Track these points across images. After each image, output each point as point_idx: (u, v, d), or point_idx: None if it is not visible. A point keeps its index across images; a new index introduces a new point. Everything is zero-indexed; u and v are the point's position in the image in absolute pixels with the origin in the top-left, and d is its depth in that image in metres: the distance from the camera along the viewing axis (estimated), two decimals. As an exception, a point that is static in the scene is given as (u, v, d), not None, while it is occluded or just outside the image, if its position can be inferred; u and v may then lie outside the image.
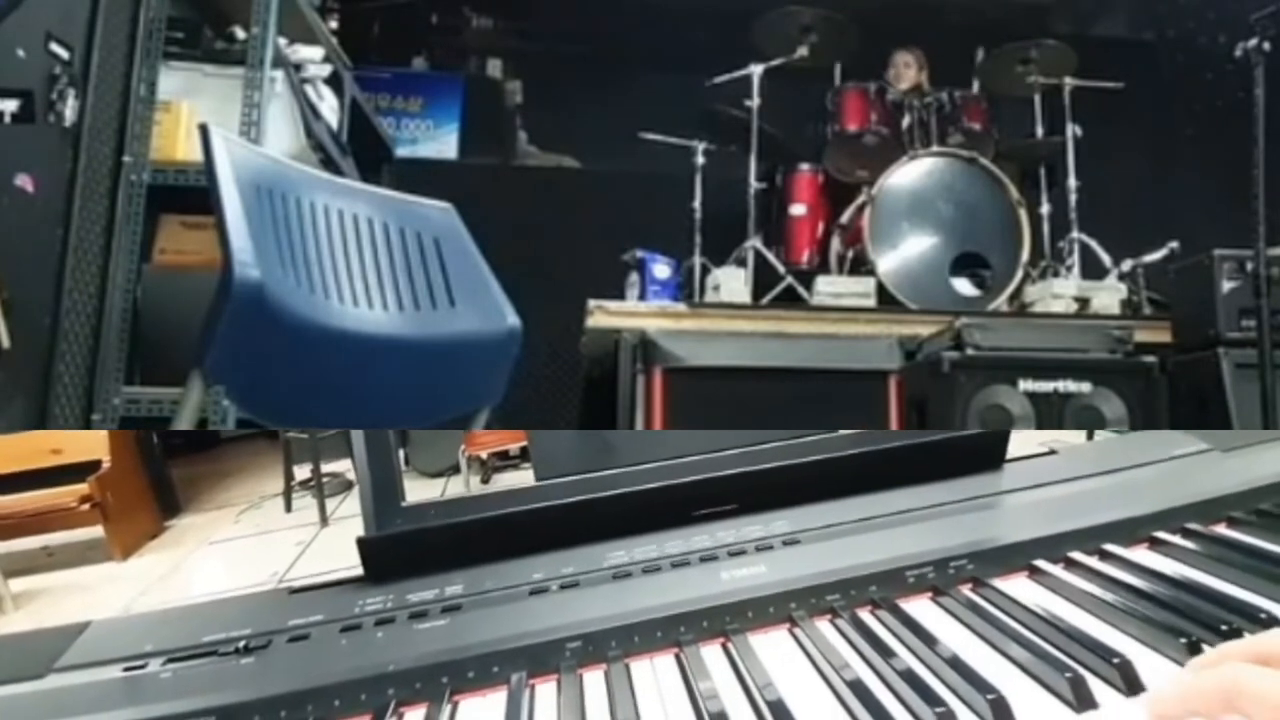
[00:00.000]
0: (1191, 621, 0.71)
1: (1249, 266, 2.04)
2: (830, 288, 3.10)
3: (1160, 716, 0.57)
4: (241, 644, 0.81)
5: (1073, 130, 3.31)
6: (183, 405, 1.01)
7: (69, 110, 1.98)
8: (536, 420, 3.42)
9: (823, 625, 0.82)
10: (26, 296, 1.89)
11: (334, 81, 2.83)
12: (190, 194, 2.22)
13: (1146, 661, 0.68)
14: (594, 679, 0.77)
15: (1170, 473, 1.04)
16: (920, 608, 0.83)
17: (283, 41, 2.47)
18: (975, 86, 3.55)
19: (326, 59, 2.77)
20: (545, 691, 0.77)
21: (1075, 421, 2.15)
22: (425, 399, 1.21)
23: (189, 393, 1.01)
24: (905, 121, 3.46)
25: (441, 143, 4.01)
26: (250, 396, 1.11)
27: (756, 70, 3.29)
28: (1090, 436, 3.04)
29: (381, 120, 3.51)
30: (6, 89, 1.81)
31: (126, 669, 0.80)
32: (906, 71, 3.52)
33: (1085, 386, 2.15)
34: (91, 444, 4.44)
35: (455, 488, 5.07)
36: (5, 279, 1.81)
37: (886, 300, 3.07)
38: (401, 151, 3.73)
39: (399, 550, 0.93)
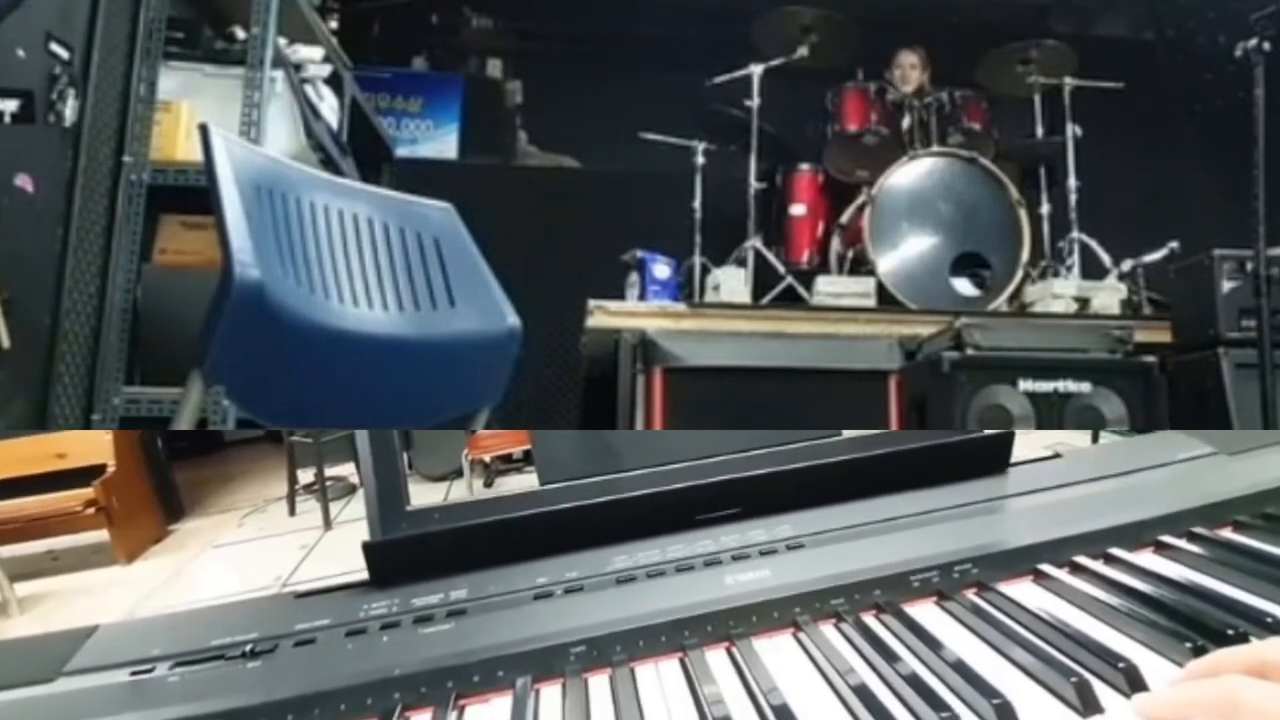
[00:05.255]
0: (1197, 626, 0.71)
1: (1249, 266, 2.05)
2: (830, 288, 3.10)
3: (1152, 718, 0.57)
4: (248, 648, 0.81)
5: (1073, 130, 3.31)
6: (183, 405, 1.01)
7: (69, 110, 1.98)
8: (537, 420, 3.42)
9: (827, 629, 0.82)
10: (26, 296, 1.89)
11: (334, 81, 2.83)
12: (190, 194, 2.21)
13: (1152, 666, 0.68)
14: (599, 683, 0.77)
15: (1176, 476, 1.04)
16: (925, 612, 0.83)
17: (283, 41, 2.47)
18: (975, 86, 3.55)
19: (326, 59, 2.77)
20: (550, 696, 0.77)
21: (1075, 421, 2.15)
22: (425, 399, 1.21)
23: (189, 393, 1.00)
24: (905, 121, 3.46)
25: (441, 143, 4.01)
26: (250, 396, 1.10)
27: (756, 70, 3.29)
28: (1095, 438, 3.05)
29: (381, 120, 3.51)
30: (6, 89, 1.80)
31: (134, 673, 0.80)
32: (912, 72, 3.52)
33: (1085, 386, 2.15)
34: (96, 448, 4.43)
35: (458, 491, 5.07)
36: (5, 279, 1.81)
37: (886, 300, 3.07)
38: (401, 151, 3.72)
39: (404, 555, 0.93)
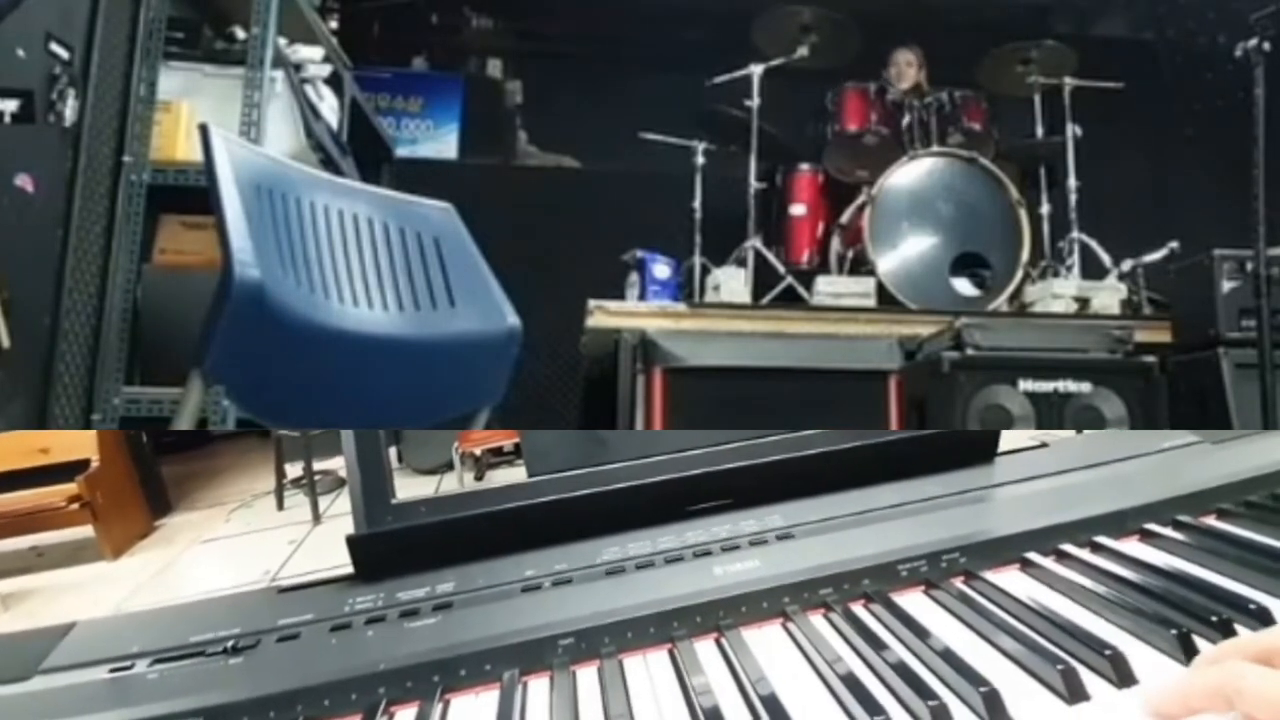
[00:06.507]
0: (1182, 613, 0.71)
1: (1249, 266, 2.04)
2: (830, 288, 3.10)
3: (1159, 714, 0.57)
4: (230, 644, 0.81)
5: (1073, 130, 3.31)
6: (183, 405, 1.01)
7: (69, 110, 1.98)
8: (537, 420, 3.42)
9: (816, 619, 0.82)
10: (26, 296, 1.89)
11: (334, 81, 2.83)
12: (190, 194, 2.22)
13: (1138, 653, 0.68)
14: (587, 676, 0.77)
15: (1160, 465, 1.05)
16: (913, 601, 0.83)
17: (283, 41, 2.47)
18: (975, 86, 3.54)
19: (326, 59, 2.77)
20: (538, 689, 0.76)
21: (1075, 421, 2.15)
22: (425, 399, 1.21)
23: (189, 393, 1.01)
24: (905, 121, 3.46)
25: (441, 143, 4.02)
26: (250, 396, 1.11)
27: (756, 70, 3.29)
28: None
29: (381, 120, 3.51)
30: (6, 89, 1.81)
31: (113, 670, 0.79)
32: (908, 70, 3.52)
33: (1085, 386, 2.15)
34: (80, 443, 4.41)
35: (449, 485, 5.04)
36: (5, 279, 1.81)
37: (886, 300, 3.07)
38: (401, 151, 3.72)
39: (389, 548, 0.92)
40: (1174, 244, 3.05)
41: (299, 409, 1.13)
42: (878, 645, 0.74)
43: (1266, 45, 1.96)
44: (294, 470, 5.18)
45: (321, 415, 1.15)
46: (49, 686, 0.78)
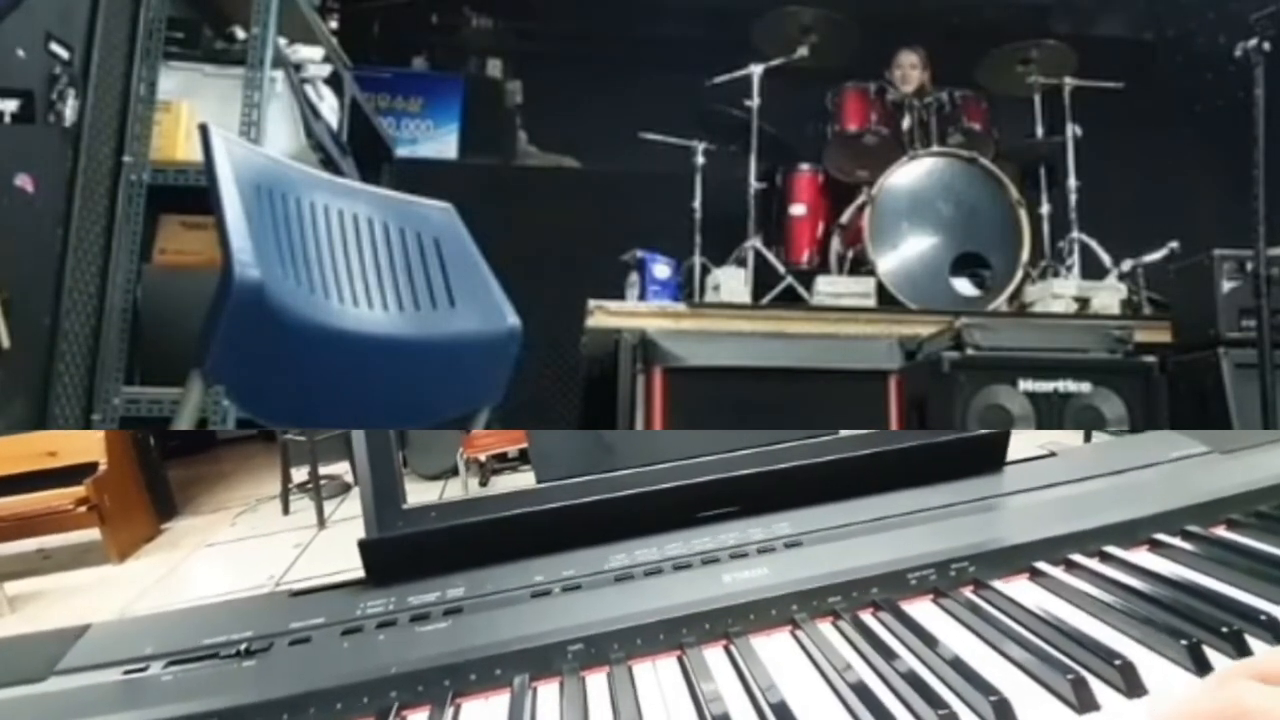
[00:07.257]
0: (1192, 623, 0.71)
1: (1249, 266, 2.04)
2: (830, 288, 3.10)
3: None
4: (243, 646, 0.81)
5: (1073, 130, 3.31)
6: (183, 405, 1.01)
7: (69, 110, 1.98)
8: (536, 420, 3.42)
9: (825, 627, 0.82)
10: (26, 296, 1.89)
11: (334, 81, 2.83)
12: (190, 194, 2.21)
13: (1148, 663, 0.68)
14: (596, 682, 0.77)
15: (1170, 475, 1.05)
16: (922, 610, 0.83)
17: (283, 41, 2.46)
18: (975, 87, 3.54)
19: (326, 59, 2.77)
20: (548, 694, 0.77)
21: (1075, 421, 2.15)
22: (425, 399, 1.21)
23: (189, 393, 1.00)
24: (905, 121, 3.46)
25: (441, 143, 4.01)
26: (250, 396, 1.10)
27: (756, 70, 3.29)
28: (1088, 438, 3.05)
29: (381, 120, 3.51)
30: (6, 89, 1.80)
31: (127, 672, 0.80)
32: (912, 73, 3.52)
33: (1085, 386, 2.15)
34: (88, 446, 4.42)
35: (453, 490, 5.06)
36: (5, 279, 1.81)
37: (886, 300, 3.07)
38: (401, 151, 3.72)
39: (400, 552, 0.93)
40: (1174, 244, 3.05)
41: (299, 409, 1.13)
42: (887, 654, 0.74)
43: (1266, 45, 1.96)
44: (299, 475, 5.19)
45: (321, 415, 1.15)
46: (64, 688, 0.79)
